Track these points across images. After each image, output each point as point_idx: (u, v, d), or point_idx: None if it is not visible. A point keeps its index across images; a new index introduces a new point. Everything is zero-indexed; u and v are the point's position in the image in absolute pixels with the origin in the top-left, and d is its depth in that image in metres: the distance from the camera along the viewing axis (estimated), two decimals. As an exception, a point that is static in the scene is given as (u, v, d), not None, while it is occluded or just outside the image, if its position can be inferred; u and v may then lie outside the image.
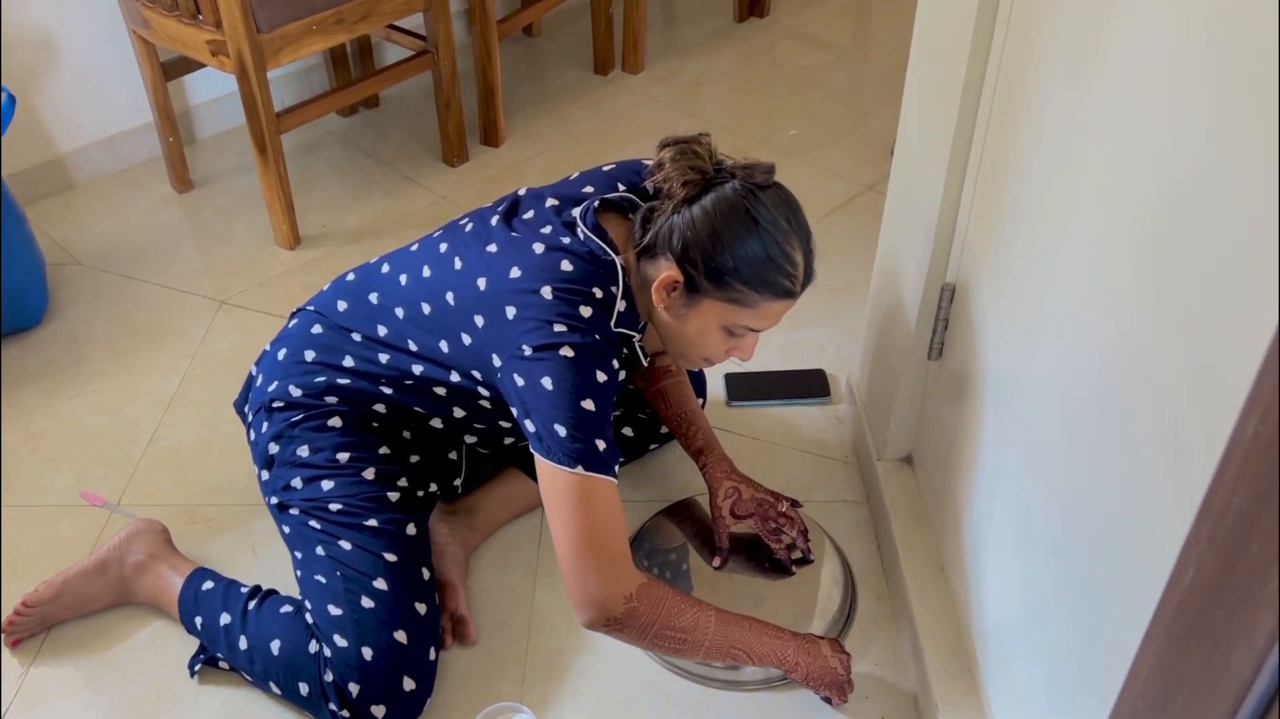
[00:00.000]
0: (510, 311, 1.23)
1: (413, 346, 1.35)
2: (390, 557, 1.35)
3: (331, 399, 1.40)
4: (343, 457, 1.39)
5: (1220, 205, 0.72)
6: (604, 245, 1.26)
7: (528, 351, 1.21)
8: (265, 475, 1.43)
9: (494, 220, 1.33)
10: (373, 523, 1.36)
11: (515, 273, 1.25)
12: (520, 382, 1.21)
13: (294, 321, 1.48)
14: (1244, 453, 0.51)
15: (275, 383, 1.43)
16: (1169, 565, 0.60)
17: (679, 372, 1.61)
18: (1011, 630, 1.17)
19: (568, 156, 2.56)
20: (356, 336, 1.40)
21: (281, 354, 1.44)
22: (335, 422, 1.40)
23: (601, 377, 1.21)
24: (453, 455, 1.55)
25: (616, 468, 1.22)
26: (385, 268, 1.42)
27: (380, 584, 1.33)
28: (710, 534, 1.57)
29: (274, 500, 1.42)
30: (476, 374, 1.33)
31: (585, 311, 1.22)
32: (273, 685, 1.34)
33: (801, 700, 1.38)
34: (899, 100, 1.47)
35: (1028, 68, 1.10)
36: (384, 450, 1.42)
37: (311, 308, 1.47)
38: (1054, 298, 1.03)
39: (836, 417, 1.83)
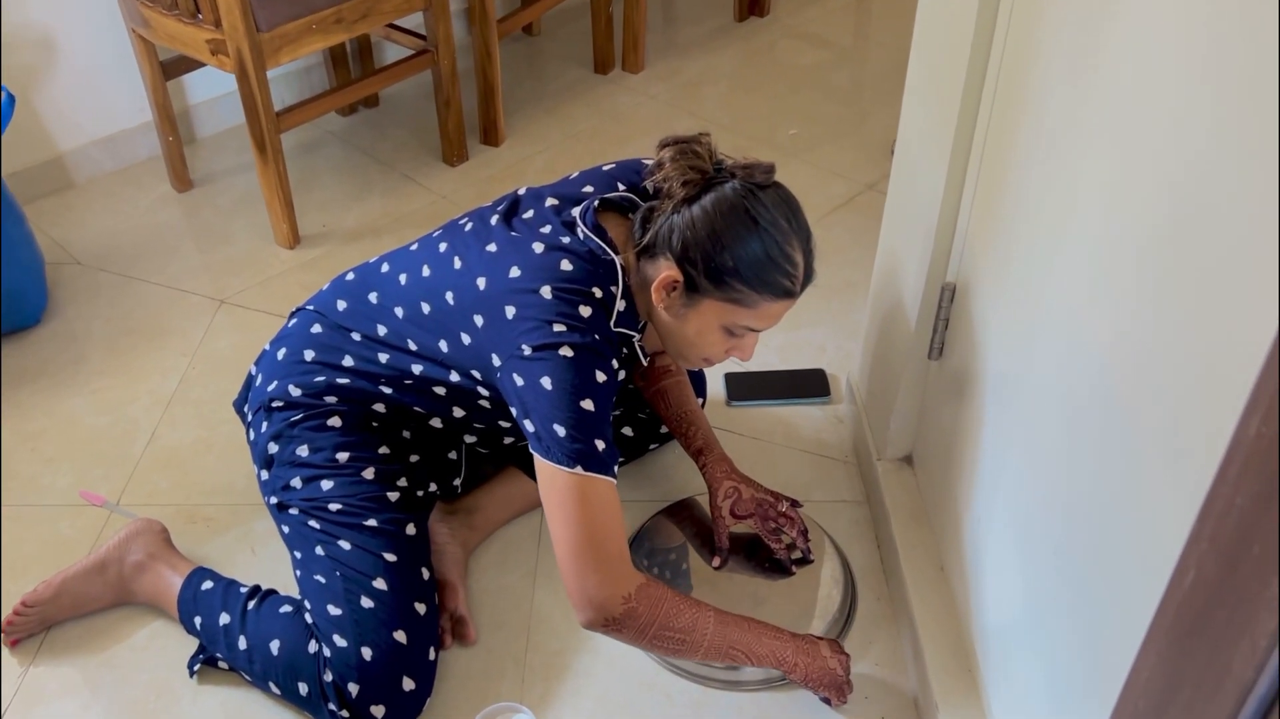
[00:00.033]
0: (510, 311, 1.23)
1: (412, 346, 1.35)
2: (390, 556, 1.35)
3: (331, 399, 1.40)
4: (342, 456, 1.39)
5: (1220, 205, 0.72)
6: (604, 245, 1.26)
7: (527, 351, 1.20)
8: (265, 475, 1.43)
9: (494, 220, 1.33)
10: (372, 523, 1.36)
11: (515, 272, 1.24)
12: (519, 381, 1.21)
13: (293, 321, 1.48)
14: (1246, 453, 0.51)
15: (275, 382, 1.43)
16: (1169, 566, 0.59)
17: (679, 371, 1.61)
18: (1011, 630, 1.17)
19: (568, 156, 2.56)
20: (356, 336, 1.39)
21: (281, 354, 1.44)
22: (335, 421, 1.40)
23: (601, 376, 1.21)
24: (452, 455, 1.54)
25: (616, 468, 1.22)
26: (385, 267, 1.42)
27: (380, 584, 1.32)
28: (710, 534, 1.57)
29: (273, 500, 1.42)
30: (476, 374, 1.33)
31: (585, 311, 1.22)
32: (272, 685, 1.34)
33: (801, 701, 1.38)
34: (899, 99, 1.46)
35: (1028, 67, 1.10)
36: (383, 450, 1.42)
37: (311, 307, 1.46)
38: (1054, 298, 1.03)
39: (836, 416, 1.83)
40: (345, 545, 1.35)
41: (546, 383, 1.19)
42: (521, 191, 1.38)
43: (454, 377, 1.35)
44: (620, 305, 1.27)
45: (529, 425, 1.21)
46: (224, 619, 1.38)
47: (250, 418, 1.47)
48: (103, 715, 1.39)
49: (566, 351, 1.19)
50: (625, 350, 1.34)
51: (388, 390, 1.39)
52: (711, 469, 1.54)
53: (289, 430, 1.40)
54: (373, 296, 1.40)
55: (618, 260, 1.27)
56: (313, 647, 1.31)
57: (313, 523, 1.37)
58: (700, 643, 1.25)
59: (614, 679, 1.42)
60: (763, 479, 1.59)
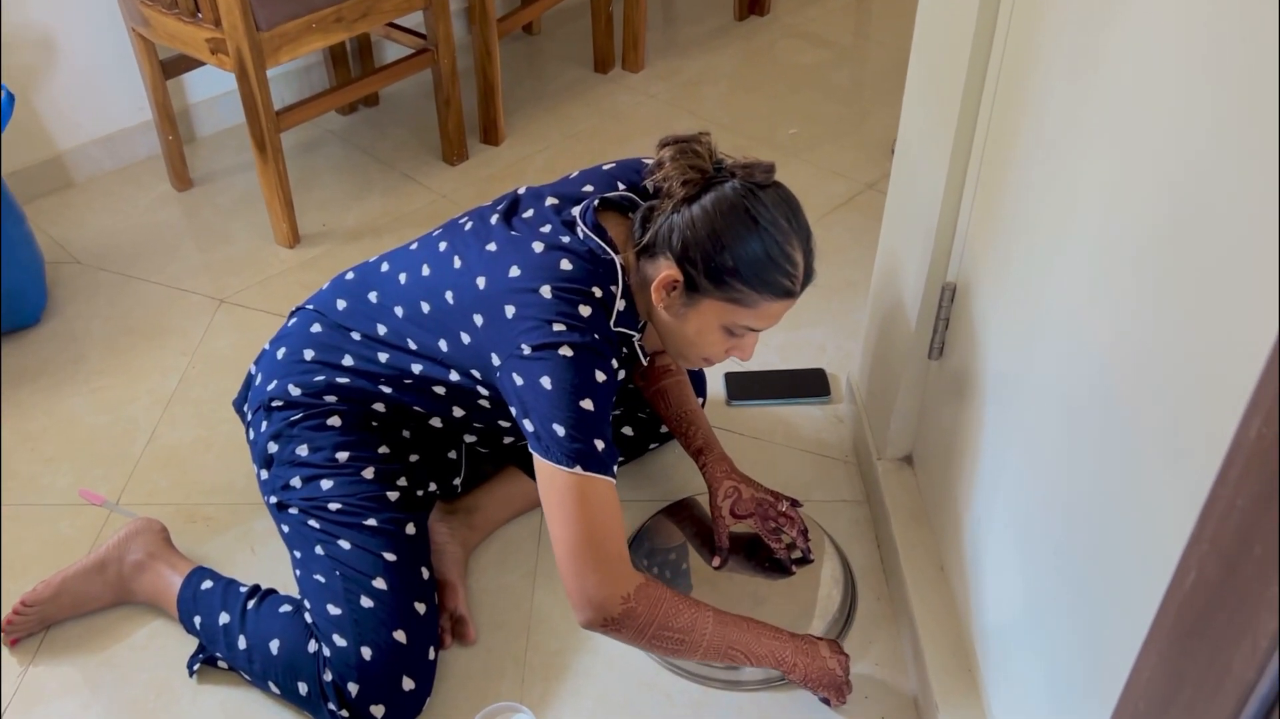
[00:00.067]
0: (509, 310, 1.23)
1: (412, 345, 1.35)
2: (389, 556, 1.35)
3: (331, 398, 1.40)
4: (342, 456, 1.39)
5: (1220, 205, 0.72)
6: (603, 244, 1.26)
7: (527, 351, 1.20)
8: (264, 474, 1.43)
9: (493, 219, 1.33)
10: (372, 522, 1.36)
11: (514, 272, 1.24)
12: (519, 381, 1.21)
13: (293, 320, 1.48)
14: (1247, 454, 0.50)
15: (274, 382, 1.43)
16: (1170, 566, 0.59)
17: (679, 371, 1.61)
18: (1011, 630, 1.17)
19: (567, 155, 2.56)
20: (356, 335, 1.39)
21: (281, 353, 1.44)
22: (334, 421, 1.40)
23: (600, 376, 1.21)
24: (452, 455, 1.54)
25: (615, 468, 1.22)
26: (385, 266, 1.42)
27: (379, 584, 1.32)
28: (710, 534, 1.57)
29: (273, 500, 1.42)
30: (476, 373, 1.33)
31: (584, 311, 1.21)
32: (271, 685, 1.34)
33: (801, 701, 1.38)
34: (899, 99, 1.46)
35: (1028, 67, 1.09)
36: (383, 450, 1.41)
37: (311, 307, 1.46)
38: (1054, 298, 1.03)
39: (836, 416, 1.83)
40: (345, 545, 1.34)
41: (546, 382, 1.19)
42: (521, 191, 1.37)
43: (454, 376, 1.35)
44: (620, 305, 1.27)
45: (528, 425, 1.21)
46: (224, 619, 1.38)
47: (250, 417, 1.47)
48: (102, 715, 1.39)
49: (566, 351, 1.19)
50: (625, 350, 1.34)
51: (387, 390, 1.39)
52: (711, 469, 1.54)
53: (289, 430, 1.40)
54: (372, 296, 1.39)
55: (617, 260, 1.26)
56: (312, 646, 1.31)
57: (312, 522, 1.37)
58: (699, 643, 1.25)
59: (614, 679, 1.42)
60: (763, 479, 1.59)
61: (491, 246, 1.29)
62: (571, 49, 3.04)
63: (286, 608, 1.37)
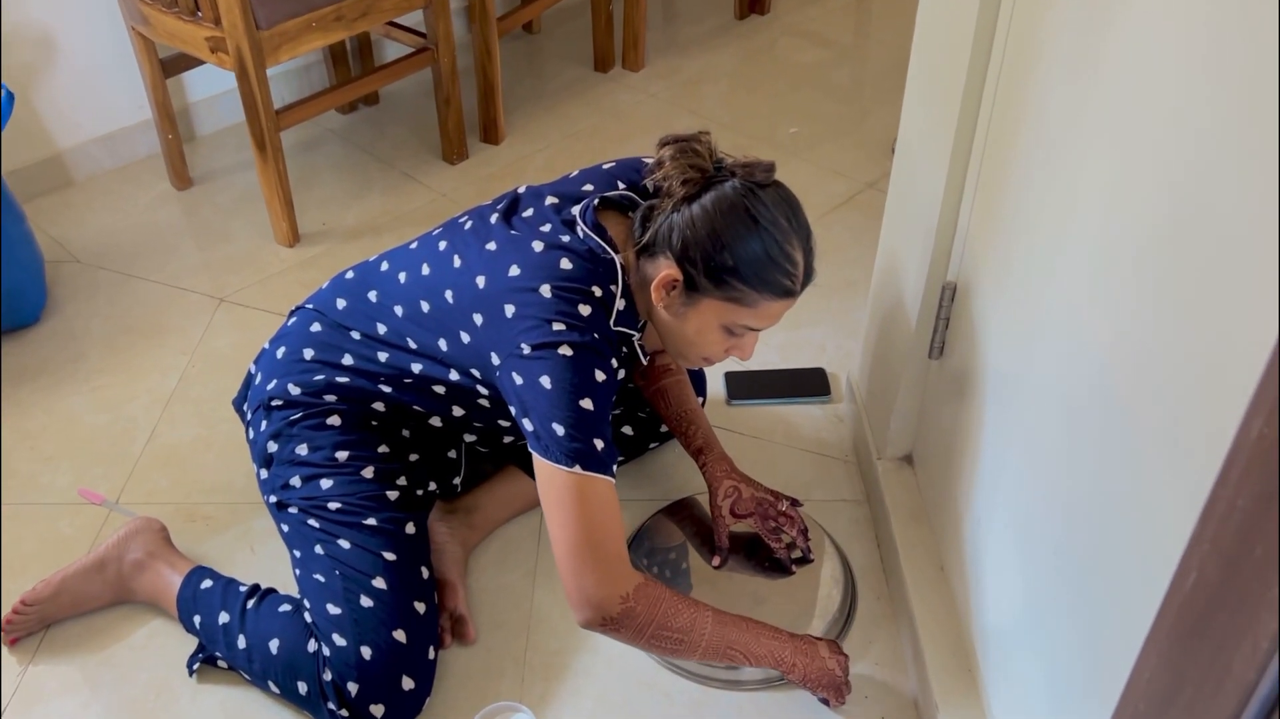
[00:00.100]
0: (509, 310, 1.23)
1: (412, 344, 1.35)
2: (389, 555, 1.35)
3: (330, 397, 1.40)
4: (341, 455, 1.39)
5: (1220, 205, 0.72)
6: (603, 244, 1.26)
7: (526, 350, 1.20)
8: (264, 474, 1.43)
9: (493, 218, 1.33)
10: (372, 522, 1.36)
11: (514, 271, 1.24)
12: (519, 380, 1.21)
13: (293, 319, 1.48)
14: (1248, 455, 0.50)
15: (274, 381, 1.42)
16: (1170, 567, 0.59)
17: (679, 370, 1.61)
18: (1011, 630, 1.17)
19: (568, 154, 2.56)
20: (355, 335, 1.39)
21: (280, 352, 1.44)
22: (334, 420, 1.40)
23: (600, 376, 1.21)
24: (452, 454, 1.54)
25: (615, 467, 1.22)
26: (384, 265, 1.42)
27: (379, 583, 1.32)
28: (710, 533, 1.57)
29: (273, 499, 1.42)
30: (475, 372, 1.32)
31: (584, 310, 1.21)
32: (271, 684, 1.34)
33: (801, 701, 1.38)
34: (900, 98, 1.46)
35: (1029, 67, 1.09)
36: (383, 449, 1.41)
37: (310, 306, 1.46)
38: (1055, 297, 1.03)
39: (837, 415, 1.82)
40: (345, 544, 1.34)
41: (545, 382, 1.19)
42: (521, 190, 1.37)
43: (453, 375, 1.35)
44: (620, 304, 1.27)
45: (528, 424, 1.21)
46: (223, 618, 1.38)
47: (250, 416, 1.47)
48: (102, 714, 1.39)
49: (566, 350, 1.19)
50: (625, 349, 1.34)
51: (387, 389, 1.39)
52: (711, 468, 1.54)
53: (288, 429, 1.40)
54: (372, 295, 1.39)
55: (617, 259, 1.26)
56: (312, 646, 1.31)
57: (312, 522, 1.37)
58: (698, 643, 1.25)
59: (613, 678, 1.42)
60: (763, 478, 1.59)
61: (491, 246, 1.29)
62: (571, 48, 3.04)
63: (286, 607, 1.36)
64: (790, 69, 2.92)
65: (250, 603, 1.38)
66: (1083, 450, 0.96)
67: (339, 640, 1.29)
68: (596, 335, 1.21)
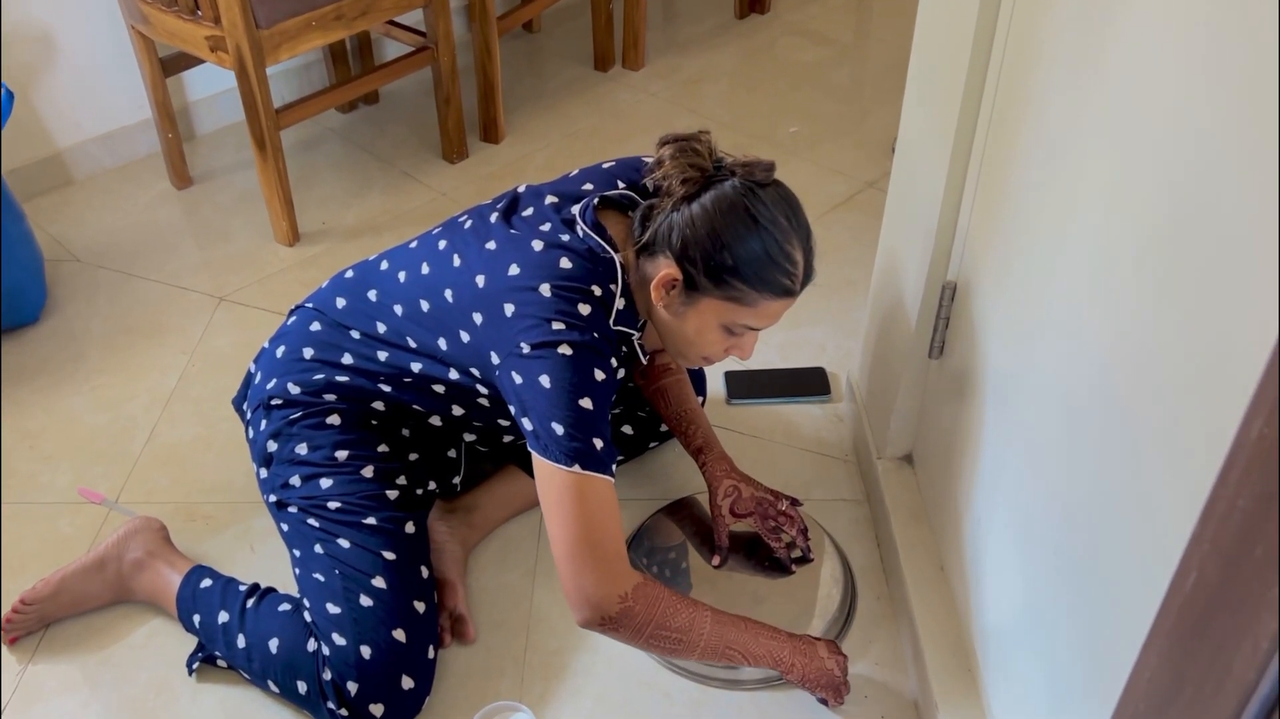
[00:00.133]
0: (509, 309, 1.23)
1: (411, 344, 1.35)
2: (389, 555, 1.35)
3: (330, 397, 1.40)
4: (341, 454, 1.39)
5: (1220, 205, 0.72)
6: (603, 243, 1.26)
7: (526, 349, 1.20)
8: (264, 473, 1.43)
9: (493, 217, 1.33)
10: (371, 521, 1.36)
11: (514, 270, 1.24)
12: (518, 379, 1.21)
13: (293, 319, 1.48)
14: (1248, 455, 0.50)
15: (274, 380, 1.42)
16: (1170, 567, 0.59)
17: (679, 369, 1.61)
18: (1011, 630, 1.17)
19: (567, 153, 2.55)
20: (355, 334, 1.39)
21: (280, 351, 1.44)
22: (334, 419, 1.40)
23: (600, 375, 1.21)
24: (451, 453, 1.54)
25: (614, 467, 1.22)
26: (384, 265, 1.42)
27: (379, 582, 1.32)
28: (710, 533, 1.57)
29: (272, 498, 1.42)
30: (475, 371, 1.32)
31: (584, 309, 1.21)
32: (271, 684, 1.34)
33: (800, 700, 1.37)
34: (900, 97, 1.46)
35: (1029, 67, 1.09)
36: (383, 448, 1.41)
37: (310, 305, 1.46)
38: (1055, 297, 1.03)
39: (836, 415, 1.82)
40: (344, 543, 1.34)
41: (545, 381, 1.19)
42: (521, 189, 1.37)
43: (453, 374, 1.35)
44: (619, 303, 1.27)
45: (527, 423, 1.21)
46: (223, 617, 1.38)
47: (249, 416, 1.47)
48: (101, 713, 1.39)
49: (565, 350, 1.19)
50: (625, 349, 1.33)
51: (387, 388, 1.39)
52: (711, 468, 1.54)
53: (288, 428, 1.40)
54: (372, 294, 1.39)
55: (617, 258, 1.26)
56: (311, 645, 1.31)
57: (312, 521, 1.37)
58: (697, 643, 1.25)
59: (613, 678, 1.42)
60: (762, 478, 1.59)
61: (491, 245, 1.29)
62: (571, 47, 3.04)
63: (286, 606, 1.36)
64: (790, 68, 2.92)
65: (250, 602, 1.38)
66: (1083, 450, 0.96)
67: (338, 639, 1.29)
68: (596, 335, 1.21)
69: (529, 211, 1.31)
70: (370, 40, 2.68)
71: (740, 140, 2.58)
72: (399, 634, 1.31)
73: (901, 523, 1.50)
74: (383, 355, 1.37)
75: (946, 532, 1.40)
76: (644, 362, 1.39)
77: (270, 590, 1.41)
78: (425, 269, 1.34)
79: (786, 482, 1.66)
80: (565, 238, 1.25)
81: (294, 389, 1.40)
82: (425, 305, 1.33)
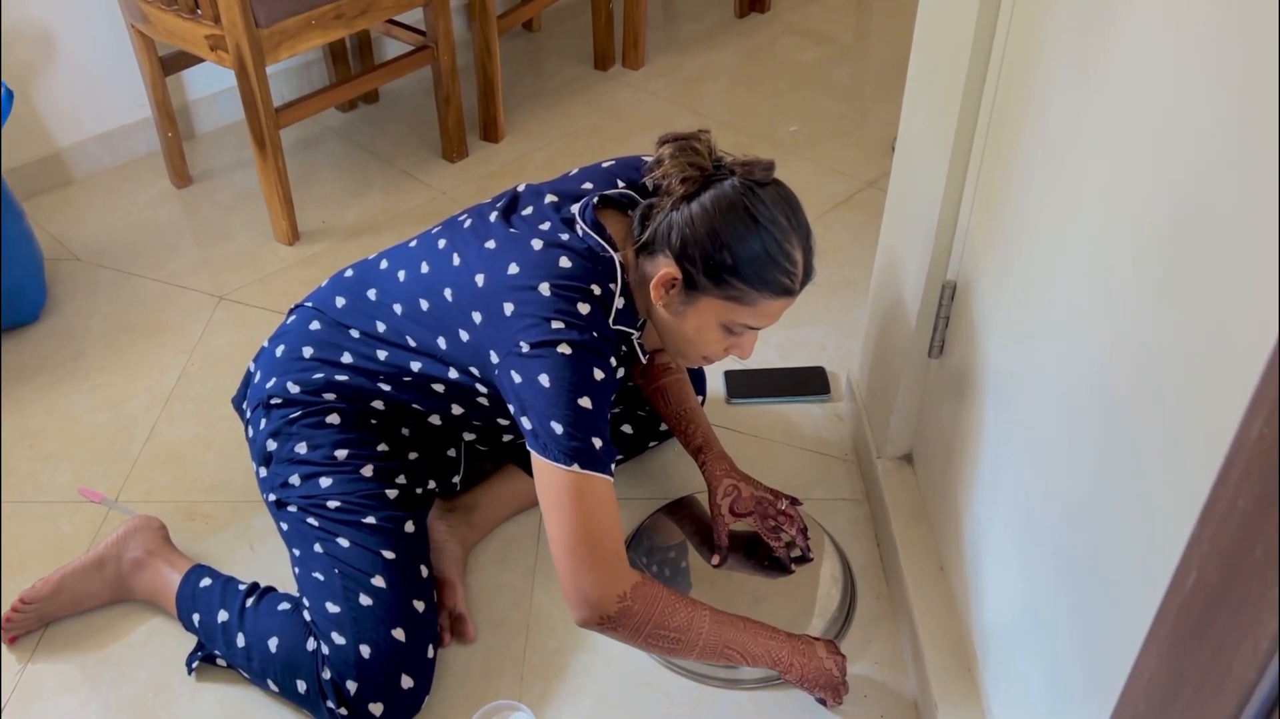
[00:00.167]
0: (508, 308, 1.23)
1: (411, 343, 1.35)
2: (388, 554, 1.35)
3: (330, 396, 1.40)
4: (341, 454, 1.39)
5: (1220, 205, 0.72)
6: (603, 242, 1.26)
7: (525, 348, 1.20)
8: (263, 472, 1.43)
9: (493, 217, 1.33)
10: (371, 520, 1.36)
11: (513, 269, 1.24)
12: (517, 378, 1.21)
13: (292, 318, 1.48)
14: (1248, 455, 0.50)
15: (273, 379, 1.42)
16: (1170, 567, 0.59)
17: (678, 369, 1.61)
18: (1011, 630, 1.17)
19: (567, 152, 2.55)
20: (355, 333, 1.39)
21: (280, 351, 1.44)
22: (333, 418, 1.40)
23: (599, 374, 1.21)
24: (451, 453, 1.54)
25: (613, 466, 1.22)
26: (384, 264, 1.41)
27: (378, 582, 1.32)
28: (709, 532, 1.56)
29: (272, 497, 1.42)
30: (474, 371, 1.32)
31: (583, 309, 1.21)
32: (270, 683, 1.34)
33: (800, 700, 1.37)
34: (900, 96, 1.46)
35: (1029, 67, 1.09)
36: (382, 447, 1.41)
37: (310, 304, 1.46)
38: (1055, 297, 1.03)
39: (836, 414, 1.82)
40: (344, 543, 1.34)
41: (544, 380, 1.19)
42: (521, 188, 1.37)
43: (452, 374, 1.35)
44: (619, 303, 1.27)
45: (526, 423, 1.21)
46: (222, 616, 1.38)
47: (249, 415, 1.47)
48: (101, 712, 1.39)
49: (565, 349, 1.19)
50: (624, 348, 1.33)
51: (386, 387, 1.39)
52: (711, 467, 1.54)
53: (288, 428, 1.40)
54: (371, 293, 1.39)
55: (616, 257, 1.26)
56: (311, 644, 1.31)
57: (311, 520, 1.36)
58: (695, 642, 1.25)
59: (613, 677, 1.42)
60: (762, 477, 1.59)
61: (490, 244, 1.29)
62: (571, 46, 3.04)
63: (285, 606, 1.36)
64: (790, 67, 2.92)
65: (249, 601, 1.38)
66: (1083, 450, 0.96)
67: (338, 639, 1.29)
68: (595, 334, 1.21)
69: (528, 210, 1.31)
70: (370, 39, 2.67)
71: (740, 139, 2.58)
72: (398, 633, 1.31)
73: (901, 522, 1.50)
74: (382, 354, 1.37)
75: (946, 531, 1.40)
76: (643, 361, 1.39)
77: (270, 590, 1.41)
78: (425, 268, 1.34)
79: (786, 481, 1.66)
80: (565, 237, 1.25)
81: (293, 388, 1.40)
82: (425, 304, 1.33)
